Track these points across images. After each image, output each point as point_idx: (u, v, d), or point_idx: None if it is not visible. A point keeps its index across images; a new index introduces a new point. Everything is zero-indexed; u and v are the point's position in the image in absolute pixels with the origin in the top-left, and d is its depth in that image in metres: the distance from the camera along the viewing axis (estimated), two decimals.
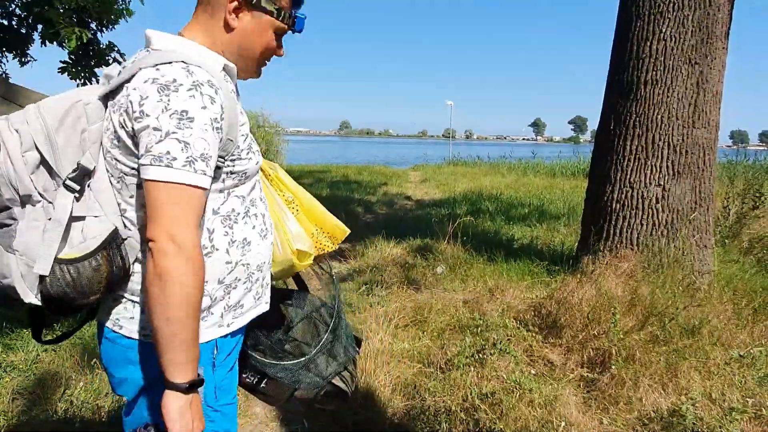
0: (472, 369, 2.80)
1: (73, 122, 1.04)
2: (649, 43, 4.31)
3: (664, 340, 2.95)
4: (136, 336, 1.11)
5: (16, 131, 0.99)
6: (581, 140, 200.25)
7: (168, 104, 0.98)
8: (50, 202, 1.01)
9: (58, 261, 0.99)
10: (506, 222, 8.07)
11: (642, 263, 4.21)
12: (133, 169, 1.05)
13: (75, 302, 1.02)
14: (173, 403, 0.98)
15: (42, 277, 0.99)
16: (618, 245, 4.41)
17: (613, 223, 4.46)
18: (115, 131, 1.04)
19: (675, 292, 3.44)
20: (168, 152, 0.97)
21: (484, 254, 5.75)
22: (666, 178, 4.31)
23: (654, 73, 4.30)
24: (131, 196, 1.07)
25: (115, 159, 1.06)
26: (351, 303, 4.41)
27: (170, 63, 1.02)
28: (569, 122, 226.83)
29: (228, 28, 1.13)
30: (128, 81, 1.03)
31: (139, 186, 1.05)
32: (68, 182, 1.02)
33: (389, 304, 4.09)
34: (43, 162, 1.01)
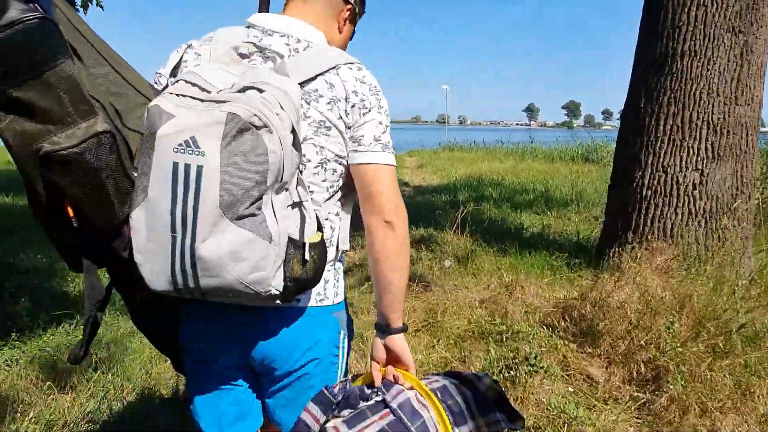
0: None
1: (299, 107, 1.01)
2: (686, 10, 3.82)
3: (725, 352, 2.51)
4: (314, 303, 1.14)
5: (277, 114, 0.92)
6: (575, 125, 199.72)
7: (380, 102, 1.13)
8: (286, 189, 0.97)
9: (310, 246, 1.00)
10: (512, 209, 7.61)
11: (677, 257, 3.77)
12: (336, 155, 1.10)
13: (314, 285, 1.04)
14: (404, 342, 1.16)
15: (304, 263, 0.98)
16: (649, 236, 3.96)
17: (643, 212, 4.00)
18: (326, 120, 1.08)
19: (726, 292, 3.00)
20: (389, 143, 1.13)
21: (494, 245, 5.30)
22: (704, 161, 3.85)
23: (692, 43, 3.82)
24: (324, 180, 1.11)
25: (320, 146, 1.09)
26: (352, 303, 3.94)
27: (354, 64, 1.12)
28: (563, 107, 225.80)
29: (340, 31, 1.24)
30: (321, 74, 1.07)
31: (334, 171, 1.12)
32: (300, 167, 1.03)
33: None
34: (295, 146, 0.97)
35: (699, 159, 3.86)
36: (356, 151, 1.09)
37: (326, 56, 1.09)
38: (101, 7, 4.44)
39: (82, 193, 0.91)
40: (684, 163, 3.88)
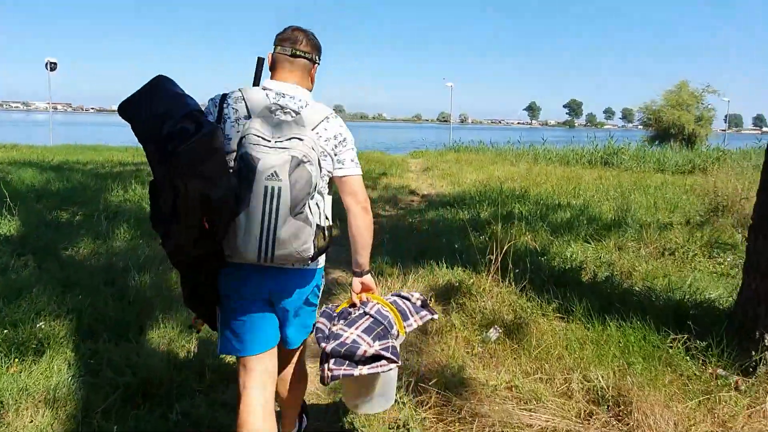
0: None
1: (317, 146, 1.79)
2: None
3: None
4: (314, 266, 1.87)
5: (313, 151, 1.70)
6: (576, 124, 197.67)
7: (350, 136, 1.88)
8: (315, 194, 1.75)
9: (327, 228, 1.81)
10: (551, 232, 5.91)
11: None
12: (328, 171, 1.82)
13: (325, 252, 1.82)
14: (371, 278, 2.02)
15: (323, 237, 1.77)
16: None
17: None
18: (324, 151, 1.79)
19: None
20: (358, 161, 1.90)
21: (550, 298, 3.73)
22: None
23: None
24: (323, 188, 1.83)
25: (322, 166, 1.77)
26: None
27: (333, 113, 1.86)
28: (564, 106, 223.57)
29: (311, 82, 1.96)
30: (320, 123, 1.81)
31: (327, 180, 1.85)
32: None
33: None
34: (319, 169, 1.80)
35: None
36: (341, 168, 1.84)
37: (319, 111, 1.82)
38: None
39: (220, 216, 1.58)
40: None
